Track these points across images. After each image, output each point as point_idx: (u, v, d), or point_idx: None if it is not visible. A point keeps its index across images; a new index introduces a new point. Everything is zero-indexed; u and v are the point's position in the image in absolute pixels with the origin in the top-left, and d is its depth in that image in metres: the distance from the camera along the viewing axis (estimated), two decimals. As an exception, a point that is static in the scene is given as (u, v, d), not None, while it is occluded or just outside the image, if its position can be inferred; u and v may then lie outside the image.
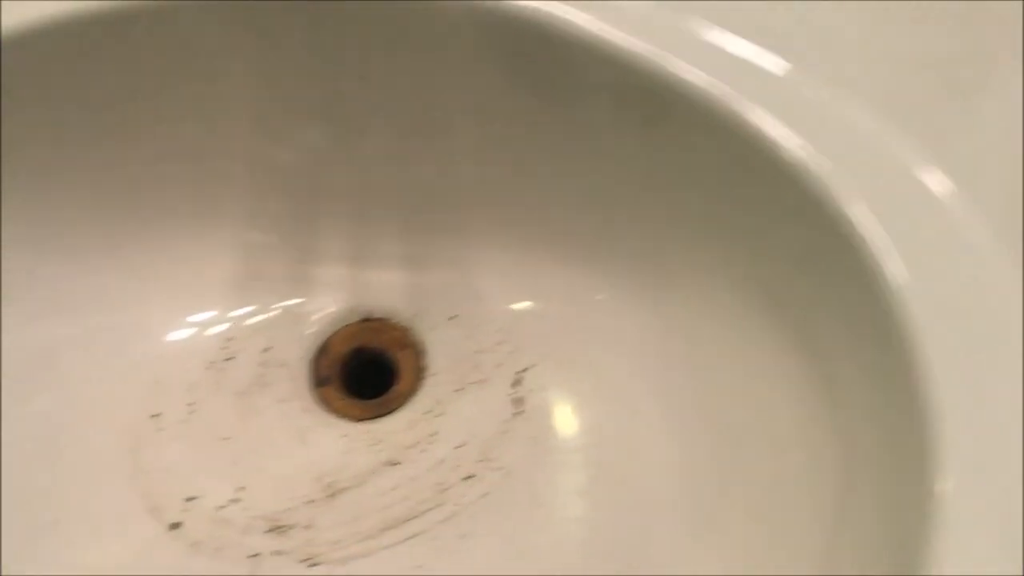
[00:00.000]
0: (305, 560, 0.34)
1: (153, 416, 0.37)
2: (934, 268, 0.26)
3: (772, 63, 0.29)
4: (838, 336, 0.28)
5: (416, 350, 0.40)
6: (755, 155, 0.29)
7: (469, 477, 0.36)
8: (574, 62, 0.31)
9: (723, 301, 0.33)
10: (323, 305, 0.40)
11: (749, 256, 0.32)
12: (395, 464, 0.36)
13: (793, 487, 0.29)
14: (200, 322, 0.39)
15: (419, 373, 0.39)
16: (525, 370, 0.38)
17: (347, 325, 0.40)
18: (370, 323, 0.40)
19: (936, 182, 0.27)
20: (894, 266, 0.26)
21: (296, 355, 0.39)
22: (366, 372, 0.40)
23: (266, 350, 0.39)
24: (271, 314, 0.40)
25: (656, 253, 0.35)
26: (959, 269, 0.26)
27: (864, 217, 0.27)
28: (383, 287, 0.40)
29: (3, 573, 0.32)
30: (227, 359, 0.39)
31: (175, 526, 0.34)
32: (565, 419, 0.37)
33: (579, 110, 0.33)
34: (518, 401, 0.38)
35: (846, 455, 0.27)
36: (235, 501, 0.35)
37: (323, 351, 0.40)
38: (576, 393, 0.37)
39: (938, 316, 0.25)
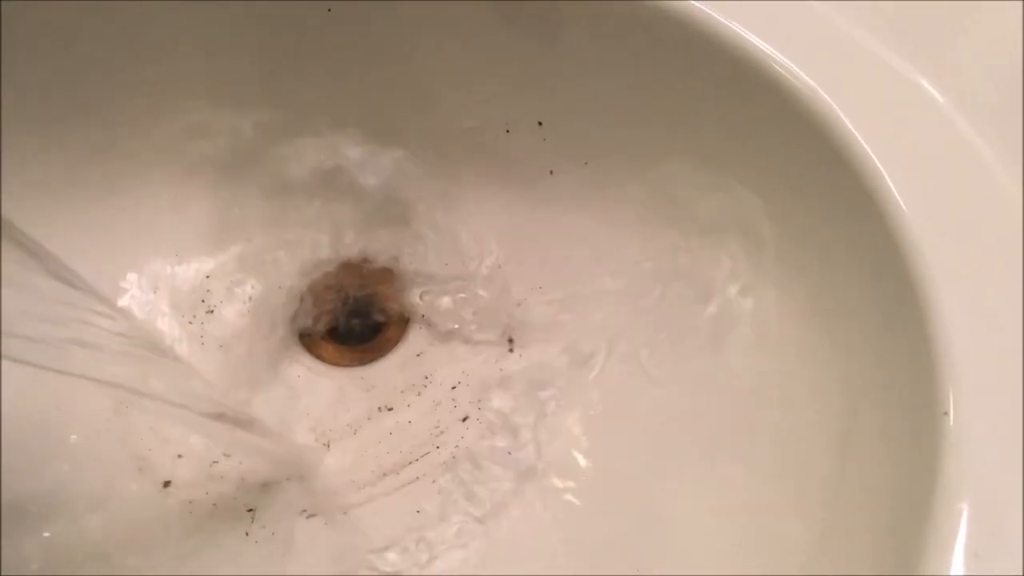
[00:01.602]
0: (303, 512, 0.33)
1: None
2: (935, 185, 0.25)
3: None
4: (839, 258, 0.27)
5: (402, 292, 0.39)
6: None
7: (465, 419, 0.35)
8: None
9: (719, 224, 0.32)
10: (303, 252, 0.39)
11: (744, 176, 0.31)
12: (389, 409, 0.36)
13: (795, 417, 0.29)
14: (178, 277, 0.38)
15: (406, 316, 0.38)
16: (516, 307, 0.37)
17: (328, 271, 0.39)
18: (353, 267, 0.39)
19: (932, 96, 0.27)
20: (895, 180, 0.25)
21: (278, 304, 0.38)
22: (352, 318, 0.39)
23: (247, 301, 0.38)
24: (250, 264, 0.38)
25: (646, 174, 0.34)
26: (962, 188, 0.25)
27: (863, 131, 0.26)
28: (365, 231, 0.39)
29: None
30: (208, 312, 0.38)
31: (167, 484, 0.34)
32: (558, 355, 0.36)
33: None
34: (510, 340, 0.37)
35: (850, 382, 0.27)
36: (227, 456, 0.35)
37: (305, 299, 0.39)
38: (571, 329, 0.37)
39: (941, 235, 0.25)
